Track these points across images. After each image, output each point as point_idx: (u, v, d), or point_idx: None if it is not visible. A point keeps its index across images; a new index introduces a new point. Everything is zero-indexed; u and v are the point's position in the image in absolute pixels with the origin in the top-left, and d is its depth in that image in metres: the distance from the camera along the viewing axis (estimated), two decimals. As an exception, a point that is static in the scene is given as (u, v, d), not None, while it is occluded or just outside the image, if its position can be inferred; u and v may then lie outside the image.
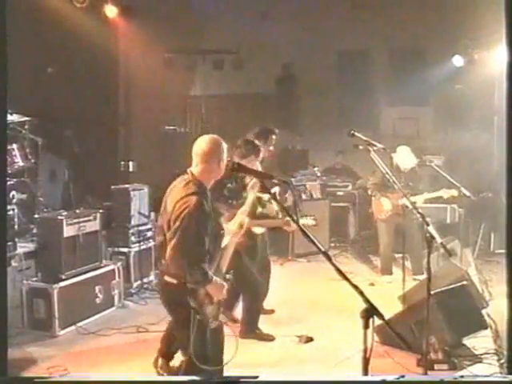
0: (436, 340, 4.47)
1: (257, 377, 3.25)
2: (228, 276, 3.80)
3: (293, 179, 8.80)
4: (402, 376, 2.44)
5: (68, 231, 5.62)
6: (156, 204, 7.66)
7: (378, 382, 2.33)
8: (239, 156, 4.94)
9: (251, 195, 4.49)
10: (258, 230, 5.25)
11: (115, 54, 9.05)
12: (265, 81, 10.92)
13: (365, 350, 2.29)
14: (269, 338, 5.20)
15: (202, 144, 3.51)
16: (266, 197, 5.09)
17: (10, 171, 6.11)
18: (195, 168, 3.51)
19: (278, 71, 11.32)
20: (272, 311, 5.91)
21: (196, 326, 3.38)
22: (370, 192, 7.41)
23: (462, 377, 4.08)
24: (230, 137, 6.42)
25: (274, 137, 5.76)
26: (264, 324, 5.66)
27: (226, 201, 4.73)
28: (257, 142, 5.26)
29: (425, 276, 4.84)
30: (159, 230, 3.60)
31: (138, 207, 6.94)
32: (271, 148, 5.74)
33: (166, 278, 3.49)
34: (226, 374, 3.76)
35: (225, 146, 3.55)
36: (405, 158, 7.00)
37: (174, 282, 3.44)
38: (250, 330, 5.21)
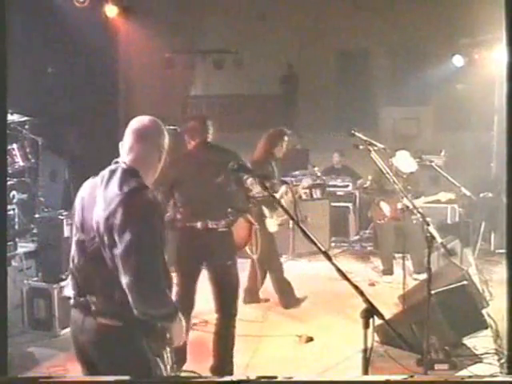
0: (436, 340, 4.46)
1: (275, 377, 2.44)
2: (229, 262, 3.85)
3: (293, 179, 8.79)
4: (411, 376, 2.40)
5: (68, 231, 5.61)
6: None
7: (381, 382, 2.33)
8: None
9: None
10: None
11: (115, 53, 9.04)
12: (265, 81, 10.93)
13: (365, 350, 2.28)
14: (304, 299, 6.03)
15: (136, 124, 2.69)
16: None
17: (10, 171, 6.11)
18: (127, 157, 2.64)
19: (279, 71, 11.33)
20: (267, 300, 6.23)
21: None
22: (367, 194, 7.42)
23: (470, 376, 4.07)
24: (230, 136, 6.47)
25: (286, 138, 6.05)
26: (264, 324, 5.68)
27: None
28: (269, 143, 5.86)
29: (425, 275, 4.84)
30: (78, 250, 2.61)
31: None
32: (284, 149, 6.04)
33: (102, 321, 2.51)
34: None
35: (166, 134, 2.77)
36: (404, 162, 6.99)
37: (119, 324, 2.50)
38: (290, 299, 6.00)
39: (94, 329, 2.51)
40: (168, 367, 2.61)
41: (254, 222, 4.61)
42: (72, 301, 2.63)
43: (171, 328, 2.60)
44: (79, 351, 2.64)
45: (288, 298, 6.06)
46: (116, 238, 2.43)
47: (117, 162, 2.62)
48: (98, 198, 2.54)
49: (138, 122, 2.67)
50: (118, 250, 2.42)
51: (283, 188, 5.74)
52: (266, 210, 5.64)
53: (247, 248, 4.82)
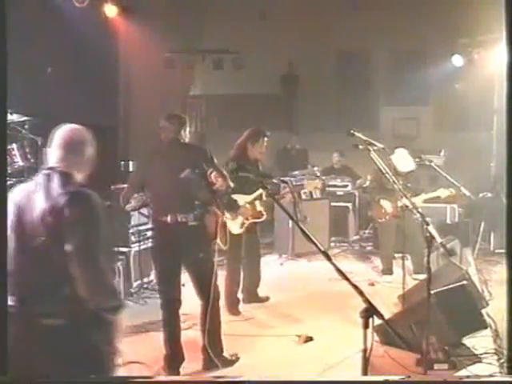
0: (436, 340, 4.46)
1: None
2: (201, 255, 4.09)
3: (292, 179, 8.80)
4: (409, 376, 2.41)
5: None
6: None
7: (380, 382, 2.33)
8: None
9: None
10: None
11: (115, 53, 9.04)
12: (265, 81, 10.92)
13: (364, 350, 2.28)
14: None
15: (63, 133, 2.91)
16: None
17: (9, 171, 6.10)
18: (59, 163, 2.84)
19: (279, 71, 11.32)
20: (267, 298, 6.30)
21: None
22: (368, 195, 7.42)
23: (468, 377, 4.07)
24: (230, 136, 6.46)
25: (265, 139, 5.93)
26: (264, 323, 5.68)
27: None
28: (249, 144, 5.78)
29: (425, 275, 4.84)
30: (21, 254, 2.70)
31: (137, 207, 6.94)
32: (263, 150, 5.93)
33: (49, 322, 2.60)
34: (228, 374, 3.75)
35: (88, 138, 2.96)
36: (402, 160, 6.99)
37: (65, 322, 2.62)
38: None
39: (40, 331, 2.60)
40: (120, 359, 2.76)
41: (219, 214, 4.64)
42: (13, 309, 2.67)
43: (118, 321, 2.71)
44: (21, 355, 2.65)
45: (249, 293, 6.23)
46: (66, 234, 2.59)
47: (50, 168, 2.81)
48: (37, 201, 2.68)
49: (66, 131, 2.91)
50: (69, 246, 2.58)
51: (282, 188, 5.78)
52: (227, 213, 5.26)
53: (218, 240, 4.82)
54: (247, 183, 5.29)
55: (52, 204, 2.64)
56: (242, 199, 5.71)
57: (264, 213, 5.94)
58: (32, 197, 2.71)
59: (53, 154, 2.87)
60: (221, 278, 4.97)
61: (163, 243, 4.52)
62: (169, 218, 4.36)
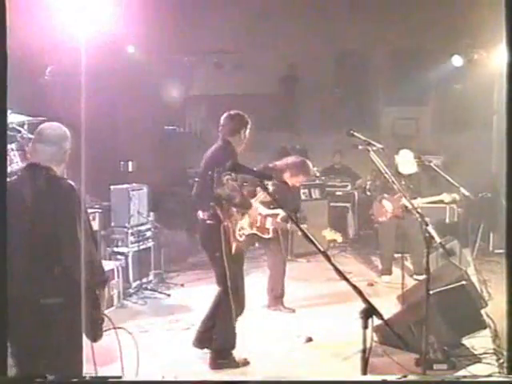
0: (435, 340, 4.47)
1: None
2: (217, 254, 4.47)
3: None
4: (405, 376, 2.41)
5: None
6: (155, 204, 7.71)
7: (378, 382, 2.32)
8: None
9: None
10: None
11: (115, 53, 9.03)
12: (265, 81, 10.92)
13: (364, 350, 2.28)
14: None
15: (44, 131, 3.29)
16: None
17: (8, 171, 6.10)
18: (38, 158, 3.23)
19: (279, 71, 11.32)
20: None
21: None
22: (369, 193, 7.42)
23: (464, 377, 4.07)
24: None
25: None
26: (263, 323, 5.68)
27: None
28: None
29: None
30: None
31: (137, 207, 6.94)
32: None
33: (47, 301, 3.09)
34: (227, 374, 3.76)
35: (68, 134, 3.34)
36: (406, 162, 7.00)
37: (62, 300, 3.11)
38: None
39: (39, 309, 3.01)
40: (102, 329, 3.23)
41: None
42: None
43: (104, 293, 3.28)
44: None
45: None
46: (52, 220, 3.02)
47: (33, 164, 3.17)
48: (26, 193, 3.06)
49: (44, 128, 3.27)
50: (56, 231, 3.02)
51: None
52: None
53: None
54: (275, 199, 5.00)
55: (36, 195, 3.04)
56: (259, 209, 5.61)
57: (270, 232, 5.68)
58: (20, 189, 3.07)
59: (33, 150, 3.23)
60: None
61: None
62: (199, 214, 4.66)
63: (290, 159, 6.12)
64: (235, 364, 4.63)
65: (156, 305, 6.32)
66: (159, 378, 4.05)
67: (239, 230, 4.73)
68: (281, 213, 5.58)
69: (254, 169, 4.17)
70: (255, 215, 5.04)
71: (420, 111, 11.34)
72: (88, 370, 3.25)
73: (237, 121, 4.76)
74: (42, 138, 3.21)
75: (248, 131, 4.82)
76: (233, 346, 4.67)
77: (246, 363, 4.68)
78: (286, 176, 5.92)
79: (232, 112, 4.80)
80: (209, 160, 4.63)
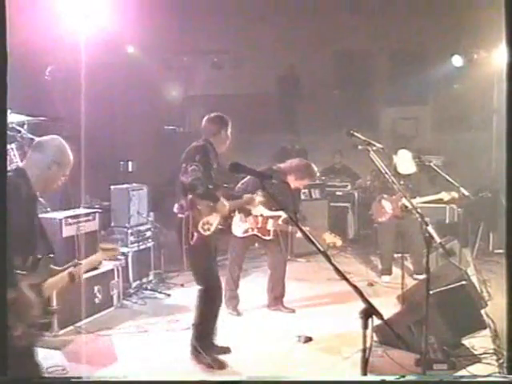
0: (435, 340, 4.47)
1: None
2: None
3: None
4: (403, 376, 2.41)
5: (67, 231, 5.62)
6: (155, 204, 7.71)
7: (377, 382, 2.33)
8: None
9: None
10: None
11: (115, 53, 9.04)
12: (265, 81, 10.92)
13: (364, 350, 2.28)
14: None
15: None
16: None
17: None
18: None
19: (278, 71, 11.32)
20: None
21: None
22: (370, 194, 7.41)
23: (461, 377, 4.07)
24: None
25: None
26: (263, 323, 5.68)
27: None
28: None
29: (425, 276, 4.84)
30: None
31: (137, 207, 6.94)
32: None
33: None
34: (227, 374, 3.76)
35: None
36: (405, 162, 6.99)
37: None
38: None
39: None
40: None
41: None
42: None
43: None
44: None
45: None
46: None
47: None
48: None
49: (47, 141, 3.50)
50: None
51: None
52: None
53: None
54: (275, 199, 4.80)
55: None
56: (261, 210, 5.66)
57: (271, 234, 5.75)
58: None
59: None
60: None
61: None
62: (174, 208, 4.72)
63: (295, 162, 6.09)
64: (217, 349, 4.73)
65: (156, 305, 6.31)
66: (159, 378, 4.07)
67: (204, 224, 4.63)
68: (282, 215, 5.59)
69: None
70: (224, 211, 4.76)
71: (420, 111, 11.35)
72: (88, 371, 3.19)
73: (216, 122, 4.80)
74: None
75: (230, 131, 4.83)
76: (212, 332, 4.76)
77: (227, 350, 4.81)
78: (291, 179, 5.90)
79: (212, 114, 4.86)
80: (184, 155, 4.67)
